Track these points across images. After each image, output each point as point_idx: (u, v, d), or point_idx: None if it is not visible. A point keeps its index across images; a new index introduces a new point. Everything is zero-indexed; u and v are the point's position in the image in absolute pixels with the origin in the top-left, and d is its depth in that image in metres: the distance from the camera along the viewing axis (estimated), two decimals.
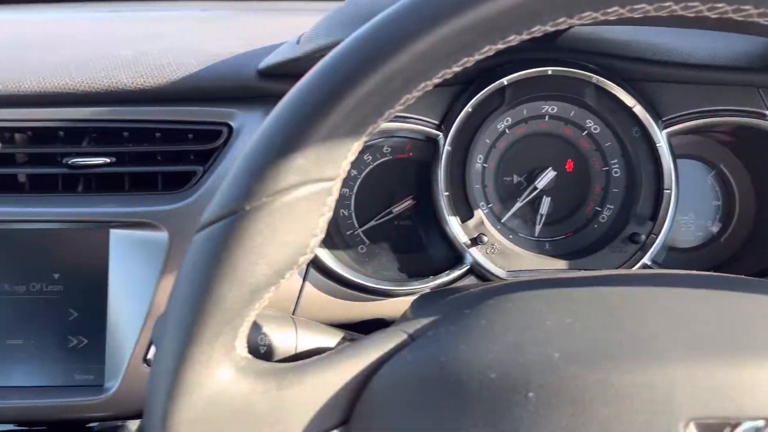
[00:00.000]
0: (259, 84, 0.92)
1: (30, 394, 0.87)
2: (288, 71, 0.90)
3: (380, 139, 1.00)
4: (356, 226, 1.02)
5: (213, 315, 0.47)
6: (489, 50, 0.45)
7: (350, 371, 0.52)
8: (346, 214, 1.02)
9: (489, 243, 0.96)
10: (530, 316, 0.53)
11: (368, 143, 0.99)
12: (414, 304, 0.63)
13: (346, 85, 0.45)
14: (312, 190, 0.47)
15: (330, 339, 0.74)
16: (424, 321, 0.56)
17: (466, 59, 0.46)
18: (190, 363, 0.48)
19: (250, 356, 0.52)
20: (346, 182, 1.01)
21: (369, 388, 0.52)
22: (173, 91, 0.92)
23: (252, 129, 0.91)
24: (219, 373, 0.50)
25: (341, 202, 1.02)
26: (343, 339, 0.75)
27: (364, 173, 1.02)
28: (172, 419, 0.49)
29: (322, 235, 0.49)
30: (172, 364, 0.48)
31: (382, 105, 0.46)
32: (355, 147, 0.47)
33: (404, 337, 0.55)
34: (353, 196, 1.02)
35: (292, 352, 0.71)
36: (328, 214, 0.48)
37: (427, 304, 0.62)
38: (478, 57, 0.46)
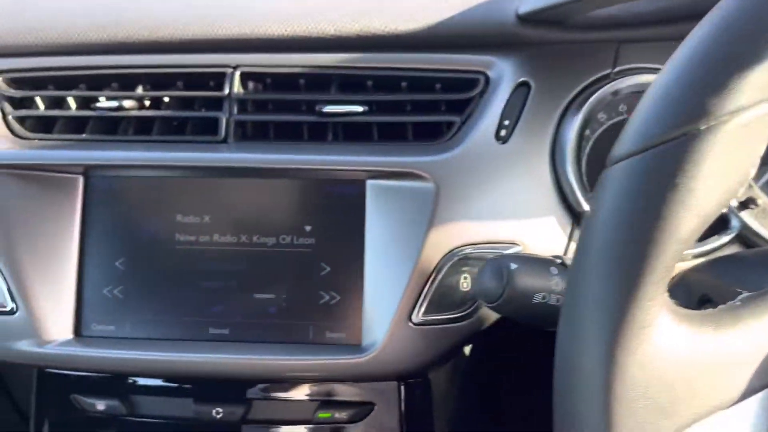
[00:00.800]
0: (519, 30, 0.85)
1: (279, 350, 0.81)
2: (551, 17, 0.83)
3: None
4: None
5: (668, 247, 0.41)
6: None
7: None
8: None
9: (761, 207, 0.87)
10: None
11: None
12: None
13: None
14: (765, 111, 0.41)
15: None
16: None
17: None
18: (638, 301, 0.42)
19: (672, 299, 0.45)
20: None
21: None
22: (427, 38, 0.86)
23: (510, 79, 0.84)
24: (662, 313, 0.43)
25: None
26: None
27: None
28: (622, 358, 0.43)
29: (756, 168, 0.43)
30: (617, 302, 0.42)
31: None
32: None
33: None
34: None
35: None
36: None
37: None
38: None
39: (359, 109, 0.84)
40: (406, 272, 0.79)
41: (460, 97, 0.85)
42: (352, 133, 0.86)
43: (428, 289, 0.78)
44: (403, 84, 0.87)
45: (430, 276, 0.78)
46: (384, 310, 0.79)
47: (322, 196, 0.84)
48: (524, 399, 0.92)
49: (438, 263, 0.78)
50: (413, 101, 0.86)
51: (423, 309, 0.79)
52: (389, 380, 0.84)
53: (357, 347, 0.81)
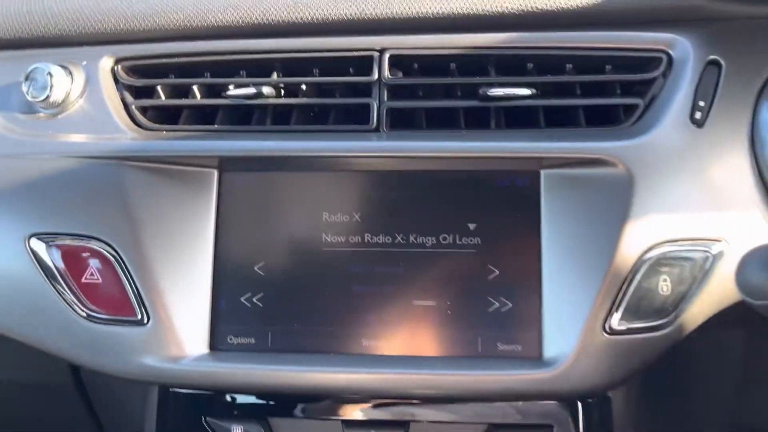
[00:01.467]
0: (706, 3, 0.75)
1: (444, 364, 0.70)
2: None
3: None
4: None
5: None
6: None
7: None
8: None
9: None
10: None
11: None
12: None
13: None
14: None
15: None
16: None
17: None
18: None
19: None
20: None
21: None
22: (598, 14, 0.76)
23: (698, 57, 0.73)
24: None
25: None
26: None
27: None
28: None
29: None
30: None
31: None
32: None
33: None
34: None
35: None
36: None
37: None
38: None
39: (526, 92, 0.74)
40: (597, 274, 0.68)
41: (640, 78, 0.74)
42: (516, 119, 0.76)
43: (624, 294, 0.67)
44: (568, 66, 0.77)
45: (626, 278, 0.67)
46: (571, 318, 0.68)
47: (488, 189, 0.73)
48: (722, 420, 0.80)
49: (635, 263, 0.67)
50: (583, 83, 0.76)
51: (619, 316, 0.67)
52: (576, 398, 0.72)
53: (538, 361, 0.70)
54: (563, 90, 0.76)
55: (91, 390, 0.92)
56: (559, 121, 0.76)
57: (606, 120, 0.74)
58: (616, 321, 0.67)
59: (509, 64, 0.77)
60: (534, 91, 0.74)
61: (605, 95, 0.75)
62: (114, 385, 0.89)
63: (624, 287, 0.67)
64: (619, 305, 0.67)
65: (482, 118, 0.76)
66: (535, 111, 0.75)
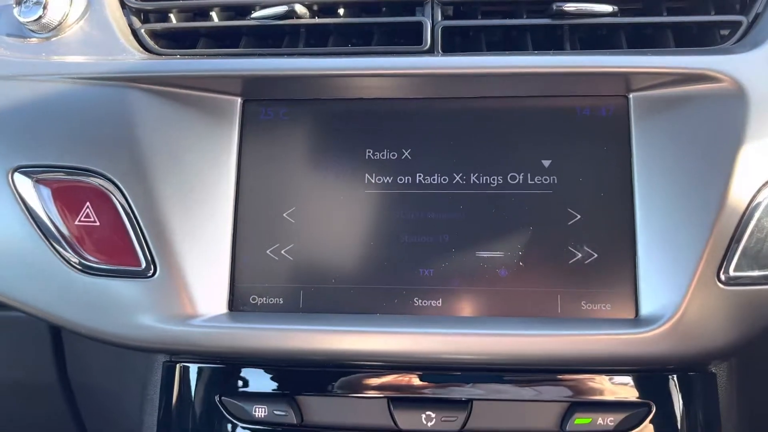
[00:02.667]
0: None
1: (515, 326, 0.56)
2: None
3: None
4: None
5: None
6: None
7: None
8: None
9: None
10: None
11: None
12: None
13: None
14: None
15: None
16: None
17: None
18: None
19: None
20: None
21: None
22: None
23: None
24: None
25: None
26: None
27: None
28: None
29: None
30: None
31: None
32: None
33: None
34: None
35: None
36: None
37: None
38: None
39: (607, 8, 0.61)
40: (706, 213, 0.54)
41: None
42: (594, 43, 0.64)
43: (741, 236, 0.53)
44: None
45: (742, 216, 0.53)
46: (674, 267, 0.54)
47: (565, 119, 0.60)
48: None
49: (753, 198, 0.54)
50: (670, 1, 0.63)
51: (734, 263, 0.53)
52: (685, 365, 0.57)
53: (633, 321, 0.55)
54: (648, 9, 0.63)
55: (77, 389, 0.77)
56: (645, 43, 0.63)
57: (701, 41, 0.62)
58: (732, 268, 0.53)
59: None
60: (614, 8, 0.62)
61: (699, 13, 0.62)
62: (105, 381, 0.74)
63: (740, 228, 0.53)
64: (735, 250, 0.53)
65: (554, 42, 0.63)
66: (616, 33, 0.63)
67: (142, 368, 0.67)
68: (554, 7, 0.61)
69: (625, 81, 0.58)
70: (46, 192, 0.58)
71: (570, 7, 0.60)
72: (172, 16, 0.68)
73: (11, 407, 0.81)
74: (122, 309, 0.57)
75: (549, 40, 0.63)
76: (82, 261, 0.57)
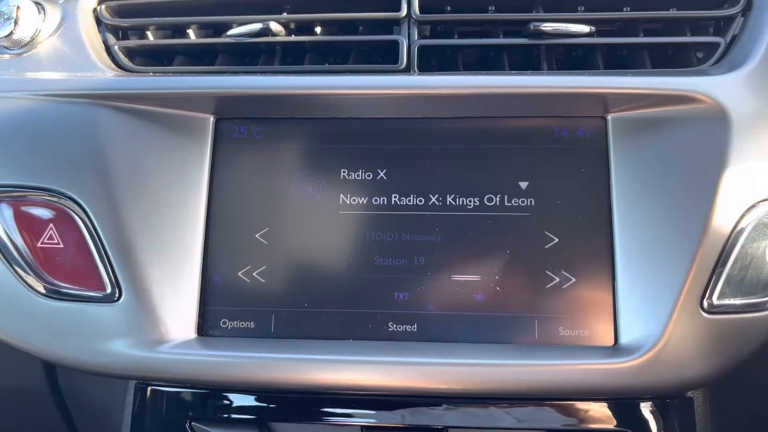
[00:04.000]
0: None
1: (491, 353, 0.52)
2: None
3: None
4: None
5: None
6: None
7: None
8: None
9: None
10: None
11: None
12: None
13: None
14: None
15: None
16: None
17: None
18: None
19: None
20: None
21: None
22: None
23: None
24: None
25: None
26: None
27: None
28: None
29: None
30: None
31: None
32: None
33: None
34: None
35: None
36: None
37: None
38: None
39: (584, 29, 0.58)
40: (689, 239, 0.50)
41: (718, 15, 0.59)
42: (570, 64, 0.61)
43: (725, 263, 0.50)
44: (625, 8, 0.61)
45: (726, 243, 0.50)
46: (656, 294, 0.51)
47: (542, 141, 0.57)
48: None
49: (737, 224, 0.50)
50: (646, 20, 0.60)
51: (717, 291, 0.50)
52: (663, 395, 0.54)
53: (611, 348, 0.52)
54: (624, 30, 0.61)
55: (67, 395, 0.73)
56: (621, 64, 0.60)
57: (673, 66, 0.59)
58: (716, 296, 0.50)
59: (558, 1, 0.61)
60: (592, 28, 0.59)
61: (674, 35, 0.60)
62: (94, 388, 0.70)
63: (724, 254, 0.50)
64: (719, 277, 0.50)
65: (531, 64, 0.60)
66: (593, 54, 0.60)
67: (121, 384, 0.64)
68: (531, 27, 0.58)
69: (603, 102, 0.55)
70: (8, 212, 0.54)
71: (547, 26, 0.58)
72: (149, 33, 0.65)
73: (4, 414, 0.77)
74: (87, 335, 0.53)
75: (526, 61, 0.61)
76: (46, 285, 0.54)
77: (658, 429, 0.54)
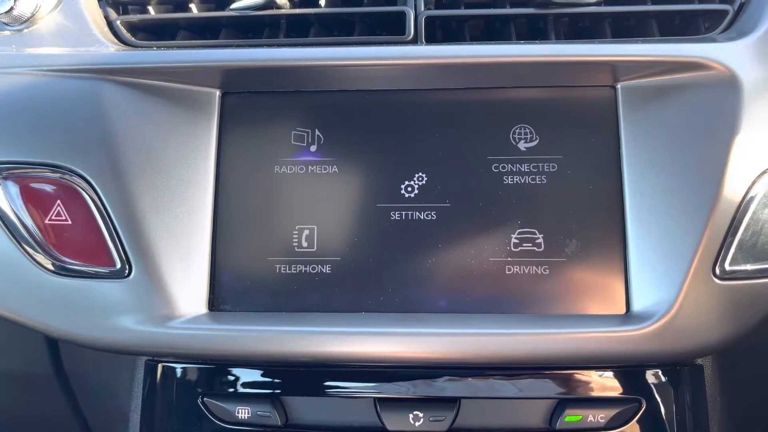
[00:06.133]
0: None
1: (500, 323, 0.50)
2: None
3: None
4: None
5: None
6: None
7: None
8: None
9: None
10: None
11: None
12: None
13: None
14: None
15: None
16: None
17: None
18: None
19: None
20: None
21: None
22: None
23: None
24: None
25: None
26: None
27: None
28: None
29: None
30: None
31: None
32: None
33: None
34: None
35: None
36: None
37: None
38: None
39: None
40: (701, 207, 0.48)
41: None
42: (576, 33, 0.58)
43: (736, 229, 0.48)
44: None
45: (738, 208, 0.48)
46: (668, 262, 0.48)
47: (552, 110, 0.54)
48: None
49: (748, 191, 0.48)
50: None
51: (729, 257, 0.48)
52: (676, 361, 0.52)
53: (624, 316, 0.50)
54: None
55: (74, 378, 0.71)
56: (629, 33, 0.57)
57: (681, 34, 0.56)
58: (728, 263, 0.48)
59: None
60: None
61: (683, 2, 0.57)
62: (102, 370, 0.68)
63: (736, 220, 0.48)
64: (731, 243, 0.48)
65: (537, 35, 0.57)
66: (600, 24, 0.57)
67: (129, 363, 0.61)
68: None
69: (613, 70, 0.52)
70: (15, 189, 0.51)
71: None
72: (150, 8, 0.61)
73: (9, 398, 0.75)
74: (97, 311, 0.51)
75: (532, 33, 0.58)
76: (54, 262, 0.51)
77: (669, 396, 0.52)
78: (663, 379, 0.52)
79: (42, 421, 0.76)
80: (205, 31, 0.60)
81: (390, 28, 0.57)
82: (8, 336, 0.69)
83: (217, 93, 0.55)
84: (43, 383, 0.71)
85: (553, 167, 0.53)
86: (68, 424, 0.72)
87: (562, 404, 0.52)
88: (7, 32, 0.58)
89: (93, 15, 0.59)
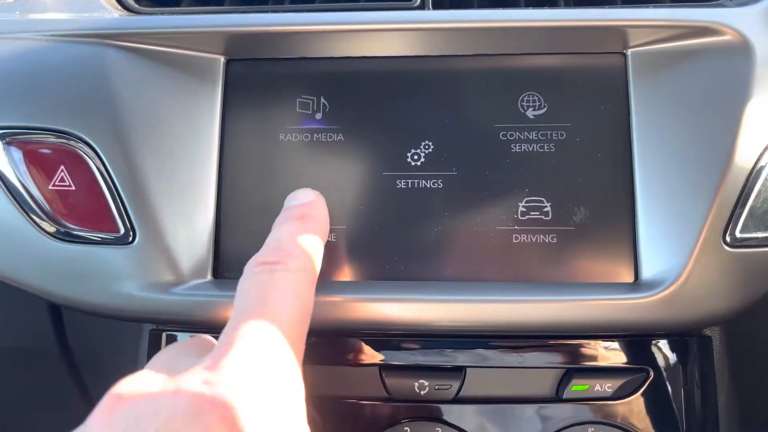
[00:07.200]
0: None
1: (506, 291, 0.48)
2: None
3: None
4: None
5: None
6: None
7: None
8: None
9: None
10: None
11: None
12: None
13: None
14: None
15: None
16: None
17: None
18: None
19: None
20: None
21: None
22: None
23: None
24: None
25: None
26: None
27: None
28: None
29: None
30: None
31: None
32: None
33: None
34: None
35: None
36: None
37: None
38: None
39: None
40: (711, 174, 0.47)
41: None
42: (585, 2, 0.56)
43: (747, 196, 0.47)
44: None
45: (749, 177, 0.46)
46: (677, 229, 0.47)
47: (560, 76, 0.52)
48: None
49: (759, 158, 0.47)
50: None
51: (740, 224, 0.47)
52: (686, 329, 0.51)
53: (633, 284, 0.48)
54: None
55: (77, 351, 0.69)
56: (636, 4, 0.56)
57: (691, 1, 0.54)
58: (738, 230, 0.46)
59: None
60: None
61: None
62: (104, 343, 0.67)
63: (747, 187, 0.46)
64: (742, 210, 0.46)
65: (545, 3, 0.55)
66: None
67: (134, 333, 0.60)
68: None
69: (623, 36, 0.50)
70: (18, 154, 0.50)
71: None
72: None
73: (12, 370, 0.74)
74: (101, 277, 0.49)
75: (541, 0, 0.56)
76: (58, 228, 0.50)
77: (677, 367, 0.51)
78: (671, 349, 0.51)
79: (45, 394, 0.75)
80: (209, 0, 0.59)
81: None
82: (11, 307, 0.67)
83: (222, 59, 0.53)
84: (46, 355, 0.70)
85: (562, 135, 0.51)
86: (71, 397, 0.71)
87: (569, 374, 0.50)
88: None
89: None
